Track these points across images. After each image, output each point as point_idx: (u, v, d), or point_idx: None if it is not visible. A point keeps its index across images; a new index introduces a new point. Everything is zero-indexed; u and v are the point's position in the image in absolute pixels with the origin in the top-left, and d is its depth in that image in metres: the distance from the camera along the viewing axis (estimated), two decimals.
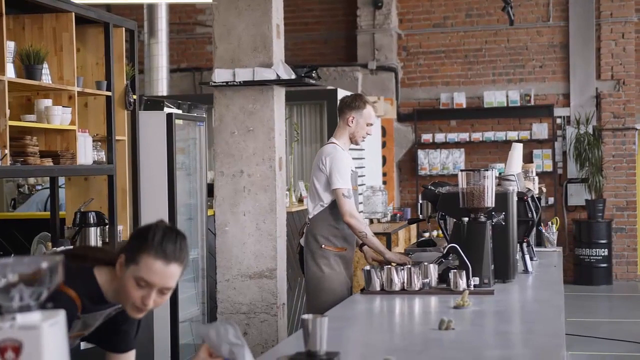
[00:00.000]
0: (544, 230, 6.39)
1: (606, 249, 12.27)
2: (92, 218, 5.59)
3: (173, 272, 2.63)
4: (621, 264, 12.60)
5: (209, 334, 2.46)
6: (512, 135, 12.63)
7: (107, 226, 5.79)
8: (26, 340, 1.79)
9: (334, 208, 5.24)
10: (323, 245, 5.29)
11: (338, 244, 5.31)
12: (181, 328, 6.60)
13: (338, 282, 5.29)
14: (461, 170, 4.53)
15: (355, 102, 5.42)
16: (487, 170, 4.50)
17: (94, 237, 5.57)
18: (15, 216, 7.26)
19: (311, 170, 5.45)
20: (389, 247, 9.08)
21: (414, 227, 11.06)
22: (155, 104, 6.74)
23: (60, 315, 1.86)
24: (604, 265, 12.28)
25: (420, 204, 5.29)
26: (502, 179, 5.29)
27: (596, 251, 12.25)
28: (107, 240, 5.80)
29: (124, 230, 6.06)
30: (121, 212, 6.01)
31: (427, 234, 10.38)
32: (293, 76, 5.67)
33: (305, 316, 2.77)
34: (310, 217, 5.40)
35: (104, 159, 5.78)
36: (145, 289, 2.62)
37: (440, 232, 6.11)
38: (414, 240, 10.61)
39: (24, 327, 1.80)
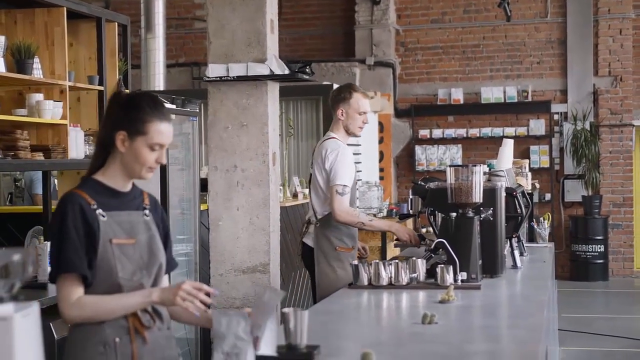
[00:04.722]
0: (535, 226, 6.40)
1: (602, 245, 12.29)
2: None
3: (171, 129, 2.99)
4: (617, 260, 12.62)
5: (220, 320, 2.47)
6: (510, 131, 12.62)
7: None
8: None
9: None
10: (337, 248, 5.24)
11: (349, 244, 5.27)
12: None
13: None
14: (449, 166, 4.54)
15: (341, 93, 5.33)
16: (475, 166, 4.51)
17: None
18: (11, 210, 7.28)
19: (312, 167, 5.34)
20: (383, 242, 9.07)
21: (411, 222, 11.06)
22: None
23: (33, 307, 1.88)
24: (600, 261, 12.30)
25: (411, 199, 5.29)
26: (491, 174, 5.30)
27: (592, 247, 12.26)
28: None
29: None
30: None
31: (424, 230, 10.36)
32: (286, 71, 5.65)
33: (286, 310, 2.79)
34: (319, 216, 5.31)
35: None
36: (158, 151, 2.95)
37: None
38: None
39: None
